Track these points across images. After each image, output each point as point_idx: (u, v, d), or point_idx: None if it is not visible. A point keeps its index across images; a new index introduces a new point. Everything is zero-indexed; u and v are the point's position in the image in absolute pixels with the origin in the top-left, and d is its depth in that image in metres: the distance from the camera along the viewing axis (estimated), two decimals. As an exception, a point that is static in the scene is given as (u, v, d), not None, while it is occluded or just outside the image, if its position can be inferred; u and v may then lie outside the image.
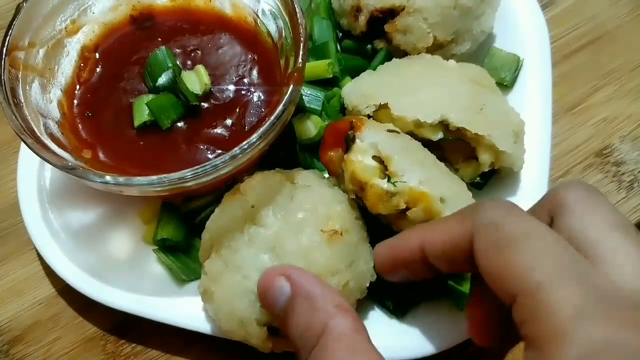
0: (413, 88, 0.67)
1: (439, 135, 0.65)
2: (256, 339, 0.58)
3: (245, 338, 0.59)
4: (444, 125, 0.65)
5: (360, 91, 0.69)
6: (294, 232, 0.58)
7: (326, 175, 0.67)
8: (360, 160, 0.59)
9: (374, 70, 0.74)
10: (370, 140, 0.59)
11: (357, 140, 0.60)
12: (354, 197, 0.61)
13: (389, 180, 0.58)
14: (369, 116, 0.67)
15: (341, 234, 0.58)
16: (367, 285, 0.61)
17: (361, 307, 0.64)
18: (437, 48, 0.74)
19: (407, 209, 0.57)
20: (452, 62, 0.71)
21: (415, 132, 0.65)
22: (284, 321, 0.51)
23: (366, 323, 0.62)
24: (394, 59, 0.73)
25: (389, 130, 0.61)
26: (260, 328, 0.58)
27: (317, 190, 0.62)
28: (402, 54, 0.74)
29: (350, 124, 0.60)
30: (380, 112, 0.67)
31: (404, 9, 0.72)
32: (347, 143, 0.60)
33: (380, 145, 0.58)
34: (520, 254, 0.41)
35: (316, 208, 0.60)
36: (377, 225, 0.62)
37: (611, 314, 0.38)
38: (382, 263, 0.57)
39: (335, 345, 0.45)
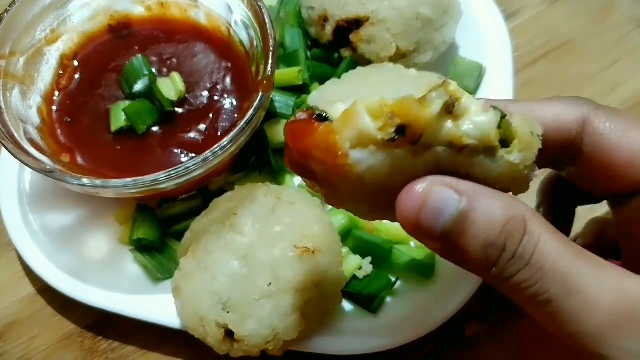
0: (375, 95, 0.70)
1: (399, 140, 0.68)
2: (212, 339, 0.60)
3: (203, 337, 0.61)
4: (403, 130, 0.68)
5: (324, 98, 0.72)
6: (267, 244, 0.60)
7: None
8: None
9: (339, 77, 0.76)
10: None
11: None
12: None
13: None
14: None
15: (313, 252, 0.60)
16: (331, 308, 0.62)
17: (337, 307, 0.66)
18: (400, 57, 0.76)
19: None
20: (412, 70, 0.73)
21: (376, 136, 0.68)
22: (455, 237, 0.38)
23: (342, 321, 0.65)
24: (357, 67, 0.76)
25: None
26: (218, 329, 0.60)
27: (299, 207, 0.63)
28: (367, 62, 0.77)
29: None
30: (344, 118, 0.69)
31: (368, 19, 0.74)
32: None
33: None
34: None
35: (293, 224, 0.61)
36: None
37: None
38: None
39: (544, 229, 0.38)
